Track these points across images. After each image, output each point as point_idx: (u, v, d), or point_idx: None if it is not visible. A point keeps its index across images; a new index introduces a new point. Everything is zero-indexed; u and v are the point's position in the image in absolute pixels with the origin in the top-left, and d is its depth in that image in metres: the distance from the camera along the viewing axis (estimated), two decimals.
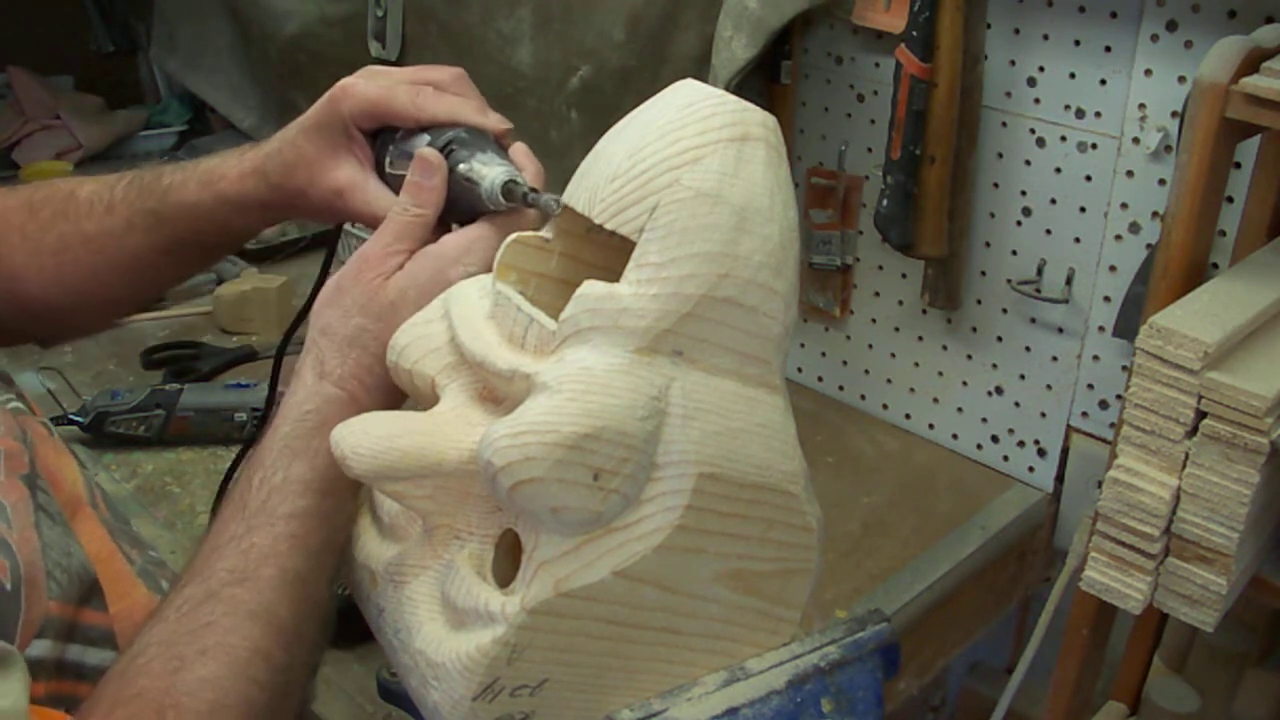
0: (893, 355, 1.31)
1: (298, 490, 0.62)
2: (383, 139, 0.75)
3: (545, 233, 0.62)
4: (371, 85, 0.73)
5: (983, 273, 1.19)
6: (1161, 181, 1.04)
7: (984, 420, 1.25)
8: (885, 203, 1.12)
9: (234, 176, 0.76)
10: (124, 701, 0.53)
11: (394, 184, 0.74)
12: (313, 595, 0.61)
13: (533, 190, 0.67)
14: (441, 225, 0.69)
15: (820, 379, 1.40)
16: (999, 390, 1.23)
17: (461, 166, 0.69)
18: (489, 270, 0.66)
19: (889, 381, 1.33)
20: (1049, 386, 1.18)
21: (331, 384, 0.65)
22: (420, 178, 0.68)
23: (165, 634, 0.56)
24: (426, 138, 0.72)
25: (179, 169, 0.79)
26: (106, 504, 0.71)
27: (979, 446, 1.27)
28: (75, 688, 0.58)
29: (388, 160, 0.74)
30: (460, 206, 0.69)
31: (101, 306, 0.85)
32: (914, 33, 1.05)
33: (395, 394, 0.66)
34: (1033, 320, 1.18)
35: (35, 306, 0.81)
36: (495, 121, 0.73)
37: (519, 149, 0.73)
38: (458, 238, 0.67)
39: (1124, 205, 1.07)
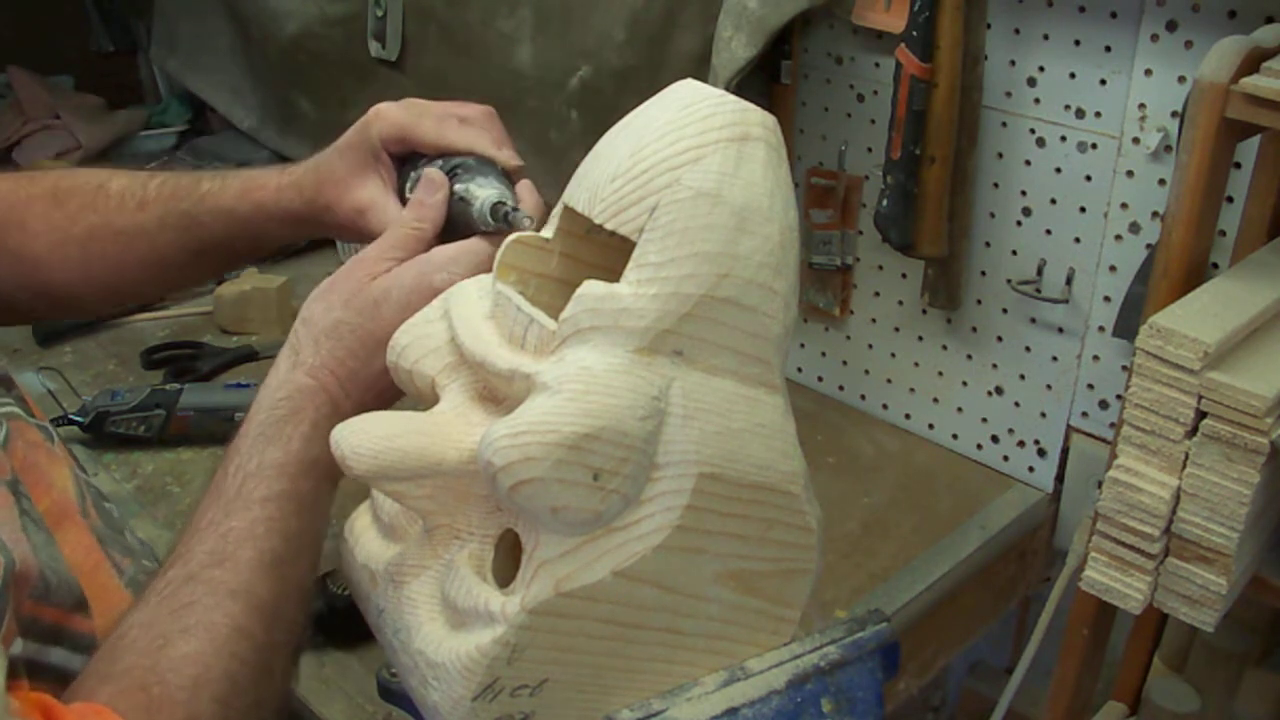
0: (893, 355, 1.31)
1: (272, 475, 0.63)
2: (408, 165, 0.79)
3: (545, 232, 0.62)
4: (402, 111, 0.77)
5: (983, 273, 1.19)
6: (1161, 181, 1.04)
7: (984, 420, 1.25)
8: (885, 203, 1.12)
9: (272, 188, 0.80)
10: (110, 679, 0.54)
11: None
12: (292, 576, 0.62)
13: (513, 209, 0.70)
14: (440, 243, 0.72)
15: (820, 379, 1.40)
16: (999, 390, 1.23)
17: (459, 187, 0.73)
18: None
19: (889, 381, 1.33)
20: (1049, 386, 1.18)
21: (303, 373, 0.67)
22: (424, 195, 0.72)
23: (147, 615, 0.57)
24: (440, 163, 0.76)
25: (218, 176, 0.83)
26: (99, 512, 0.70)
27: (979, 446, 1.27)
28: (57, 693, 0.57)
29: (408, 185, 0.78)
30: (458, 226, 0.72)
31: (121, 297, 0.88)
32: (914, 33, 1.05)
33: (370, 389, 0.68)
34: (1033, 320, 1.18)
35: (56, 292, 0.83)
36: (507, 156, 0.76)
37: (525, 185, 0.76)
38: (447, 248, 0.70)
39: (1124, 205, 1.07)
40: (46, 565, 0.59)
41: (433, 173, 0.73)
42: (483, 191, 0.72)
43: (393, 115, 0.77)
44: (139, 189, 0.83)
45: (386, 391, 0.67)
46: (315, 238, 0.87)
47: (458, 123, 0.77)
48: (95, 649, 0.59)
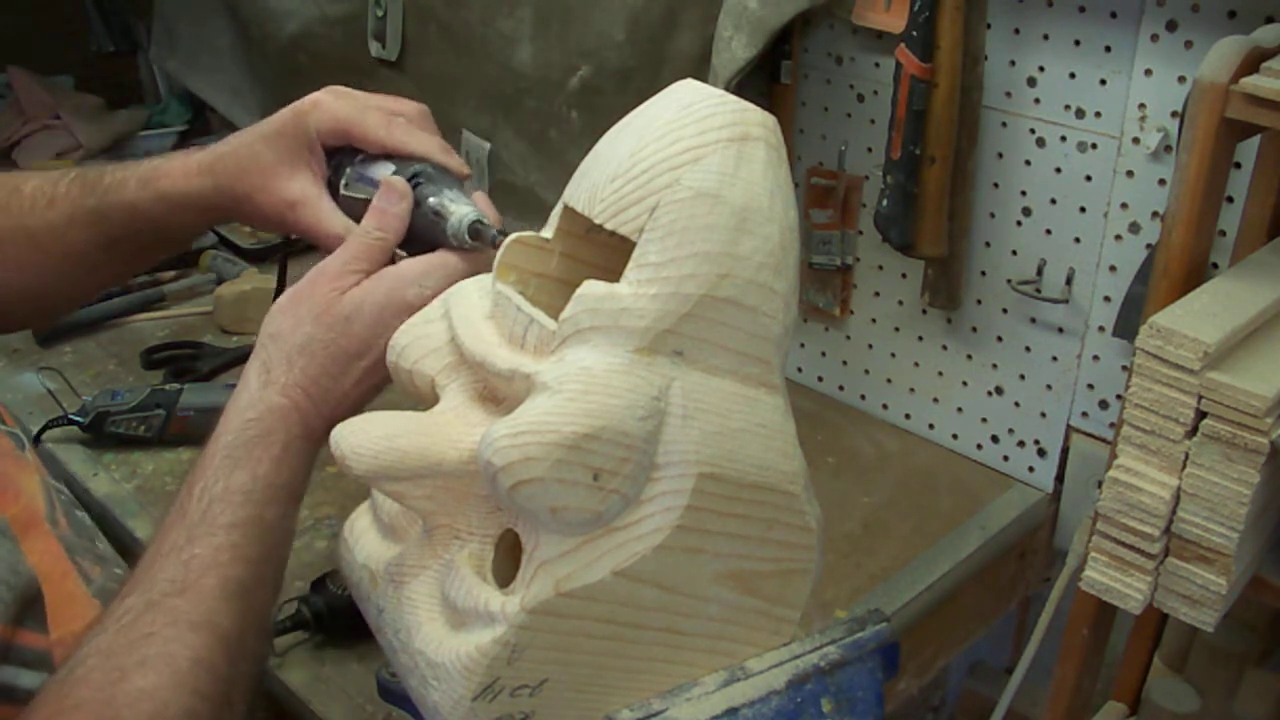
0: (893, 355, 1.31)
1: (239, 500, 0.62)
2: (339, 159, 0.76)
3: (545, 232, 0.62)
4: (342, 104, 0.75)
5: (983, 273, 1.19)
6: (1161, 181, 1.03)
7: (984, 420, 1.25)
8: (885, 203, 1.12)
9: (177, 175, 0.77)
10: (63, 713, 0.52)
11: (348, 206, 0.75)
12: (255, 604, 0.61)
13: (501, 233, 0.68)
14: (399, 254, 0.71)
15: (820, 379, 1.40)
16: (999, 390, 1.23)
17: (431, 200, 0.71)
18: None
19: (889, 381, 1.33)
20: (1049, 386, 1.18)
21: (276, 392, 0.65)
22: (386, 204, 0.70)
23: (105, 644, 0.55)
24: (391, 166, 0.74)
25: (123, 167, 0.80)
26: (70, 520, 0.69)
27: (979, 446, 1.27)
28: (4, 711, 0.57)
29: (344, 182, 0.76)
30: (420, 238, 0.71)
31: (40, 303, 0.85)
32: (914, 33, 1.05)
33: (341, 403, 0.67)
34: (1033, 320, 1.18)
35: None
36: (458, 164, 0.75)
37: (481, 196, 0.74)
38: (416, 262, 0.69)
39: (1124, 205, 1.07)
40: (2, 579, 0.57)
41: (396, 181, 0.71)
42: (457, 208, 0.71)
43: (333, 109, 0.75)
44: (49, 187, 0.80)
45: (359, 401, 0.67)
46: (225, 223, 0.83)
47: (405, 123, 0.75)
48: (47, 663, 0.57)
